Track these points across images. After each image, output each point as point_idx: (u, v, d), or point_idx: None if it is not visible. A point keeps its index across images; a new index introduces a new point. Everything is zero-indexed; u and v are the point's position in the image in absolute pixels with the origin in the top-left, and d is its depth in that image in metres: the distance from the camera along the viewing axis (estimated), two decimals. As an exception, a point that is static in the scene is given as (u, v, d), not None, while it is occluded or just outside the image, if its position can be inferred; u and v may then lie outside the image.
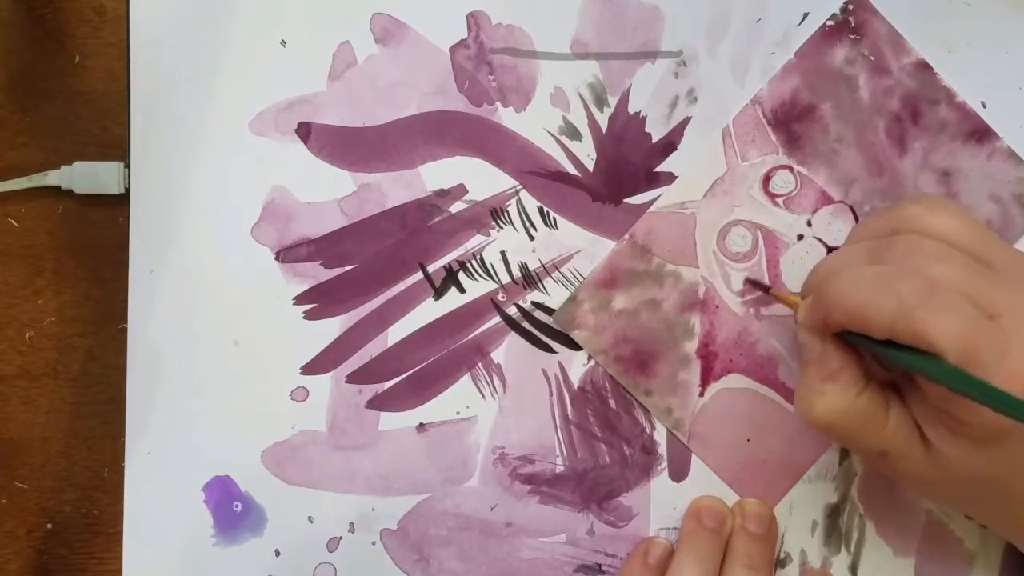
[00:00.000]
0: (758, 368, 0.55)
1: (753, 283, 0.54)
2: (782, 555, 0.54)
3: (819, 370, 0.47)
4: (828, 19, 0.55)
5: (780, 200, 0.55)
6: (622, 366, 0.54)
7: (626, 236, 0.55)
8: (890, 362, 0.45)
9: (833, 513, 0.55)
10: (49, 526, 0.54)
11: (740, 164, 0.55)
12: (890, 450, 0.46)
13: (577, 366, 0.55)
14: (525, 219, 0.55)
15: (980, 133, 0.55)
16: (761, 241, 0.55)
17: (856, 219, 0.55)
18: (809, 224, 0.55)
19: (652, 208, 0.55)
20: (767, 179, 0.55)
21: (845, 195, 0.55)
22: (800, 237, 0.55)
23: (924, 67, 0.55)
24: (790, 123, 0.55)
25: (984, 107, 0.55)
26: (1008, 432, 0.43)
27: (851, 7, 0.55)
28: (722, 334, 0.55)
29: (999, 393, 0.40)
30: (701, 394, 0.54)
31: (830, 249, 0.55)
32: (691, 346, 0.55)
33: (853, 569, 0.55)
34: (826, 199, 0.55)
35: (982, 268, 0.44)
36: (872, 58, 0.55)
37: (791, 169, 0.55)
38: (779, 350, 0.54)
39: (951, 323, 0.41)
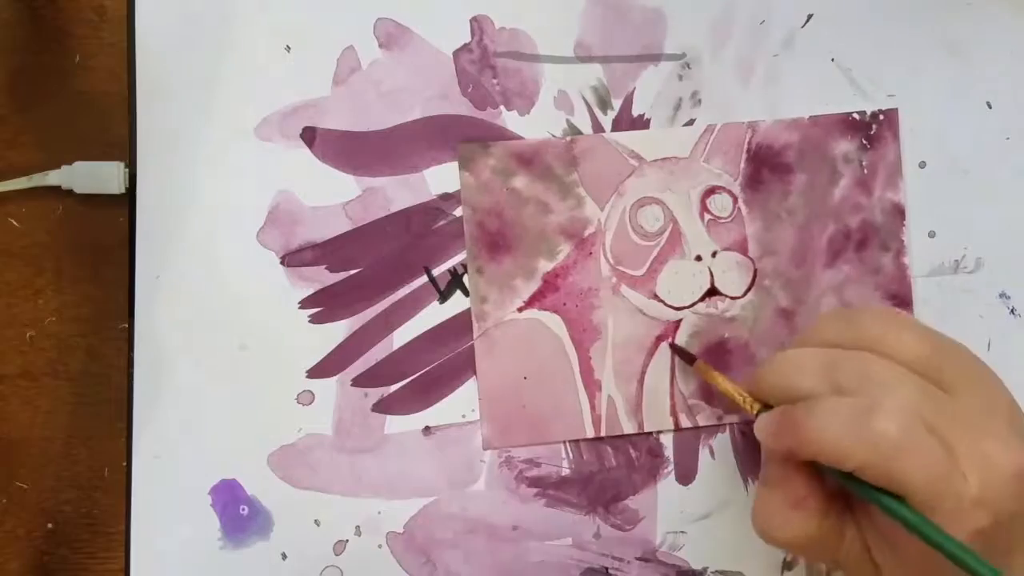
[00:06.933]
0: (580, 329, 0.54)
1: (678, 351, 0.54)
2: (788, 557, 0.55)
3: (783, 495, 0.46)
4: (858, 111, 0.55)
5: (707, 217, 0.55)
6: (478, 232, 0.54)
7: (567, 138, 0.54)
8: (854, 493, 0.45)
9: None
10: (49, 526, 0.54)
11: (700, 161, 0.55)
12: (843, 566, 0.47)
13: (581, 369, 0.55)
14: (529, 222, 0.55)
15: (901, 302, 0.55)
16: (666, 234, 0.55)
17: (753, 282, 0.55)
18: (713, 255, 0.55)
19: (608, 135, 0.55)
20: (711, 191, 0.55)
21: (758, 258, 0.55)
22: (698, 258, 0.55)
23: (898, 213, 0.55)
24: (763, 165, 0.55)
25: (989, 107, 0.55)
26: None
27: (882, 118, 0.55)
28: (576, 278, 0.54)
29: (955, 544, 0.41)
30: (520, 309, 0.54)
31: (712, 288, 0.54)
32: (544, 265, 0.54)
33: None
34: (741, 248, 0.55)
35: (938, 394, 0.44)
36: (865, 172, 0.55)
37: (735, 201, 0.55)
38: (608, 329, 0.54)
39: (920, 471, 0.42)
